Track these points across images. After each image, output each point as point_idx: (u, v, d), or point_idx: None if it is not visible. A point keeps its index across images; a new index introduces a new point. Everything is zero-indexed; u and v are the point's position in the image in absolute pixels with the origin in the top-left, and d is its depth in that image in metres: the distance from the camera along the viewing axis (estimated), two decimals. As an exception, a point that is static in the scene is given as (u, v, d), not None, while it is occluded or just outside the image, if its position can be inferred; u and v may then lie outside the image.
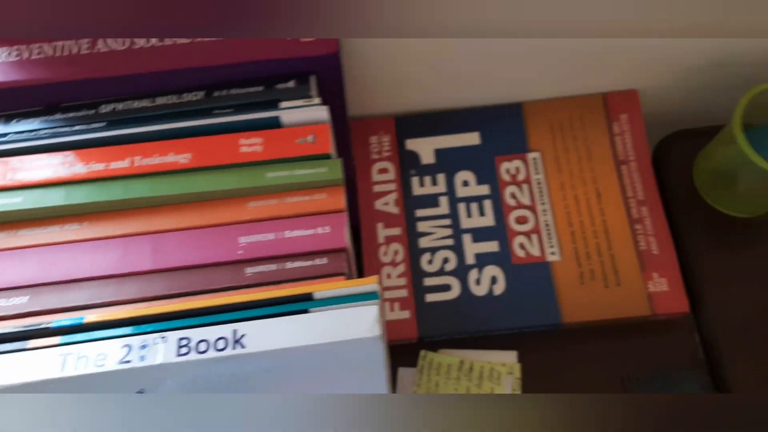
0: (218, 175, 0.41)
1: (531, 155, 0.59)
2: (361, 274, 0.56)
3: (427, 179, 0.58)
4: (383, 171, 0.59)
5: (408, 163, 0.59)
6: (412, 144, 0.60)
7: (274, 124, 0.42)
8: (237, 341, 0.35)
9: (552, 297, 0.53)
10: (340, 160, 0.41)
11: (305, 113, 0.41)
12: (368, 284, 0.36)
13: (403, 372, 0.54)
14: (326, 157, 0.41)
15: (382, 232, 0.56)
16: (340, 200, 0.40)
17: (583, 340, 0.54)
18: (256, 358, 0.35)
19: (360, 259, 0.57)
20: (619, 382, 0.53)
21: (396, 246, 0.56)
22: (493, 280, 0.54)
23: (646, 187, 0.57)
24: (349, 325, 0.35)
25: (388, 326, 0.53)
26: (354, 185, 0.58)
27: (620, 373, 0.53)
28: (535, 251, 0.55)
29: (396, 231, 0.56)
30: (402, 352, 0.55)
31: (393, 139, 0.60)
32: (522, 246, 0.55)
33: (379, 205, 0.57)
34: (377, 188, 0.58)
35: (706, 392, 0.52)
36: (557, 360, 0.54)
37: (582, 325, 0.54)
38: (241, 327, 0.36)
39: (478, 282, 0.54)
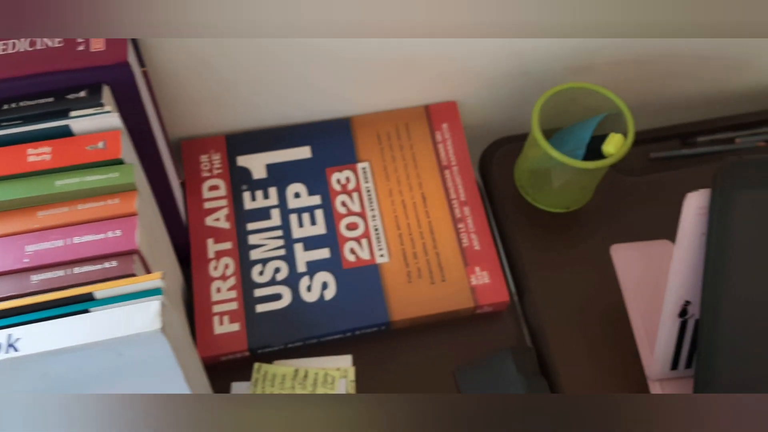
0: (4, 186, 0.40)
1: (360, 165, 0.61)
2: (189, 289, 0.56)
3: (259, 193, 0.59)
4: (214, 188, 0.59)
5: (239, 179, 0.60)
6: (243, 160, 0.60)
7: (65, 133, 0.41)
8: (10, 345, 0.34)
9: (381, 297, 0.55)
10: (132, 165, 0.41)
11: (96, 121, 0.41)
12: (152, 280, 0.36)
13: (238, 386, 0.53)
14: (118, 162, 0.41)
15: (213, 247, 0.56)
16: (132, 204, 0.40)
17: (415, 339, 0.56)
18: (35, 362, 0.34)
19: (189, 275, 0.56)
20: (452, 376, 0.55)
21: (226, 260, 0.56)
22: (324, 286, 0.55)
23: (468, 189, 0.60)
24: (130, 321, 0.35)
25: (219, 340, 0.53)
26: (182, 203, 0.58)
27: (452, 367, 0.55)
28: (365, 255, 0.56)
29: (227, 245, 0.56)
30: (237, 367, 0.54)
31: (224, 156, 0.61)
32: (353, 251, 0.57)
33: (209, 221, 0.57)
34: (208, 205, 0.58)
35: (531, 375, 0.54)
36: (391, 359, 0.55)
37: (411, 321, 0.55)
38: (16, 331, 0.34)
39: (309, 289, 0.55)
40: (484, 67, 0.62)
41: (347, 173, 0.60)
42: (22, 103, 0.42)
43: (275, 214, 0.58)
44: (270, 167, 0.60)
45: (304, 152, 0.61)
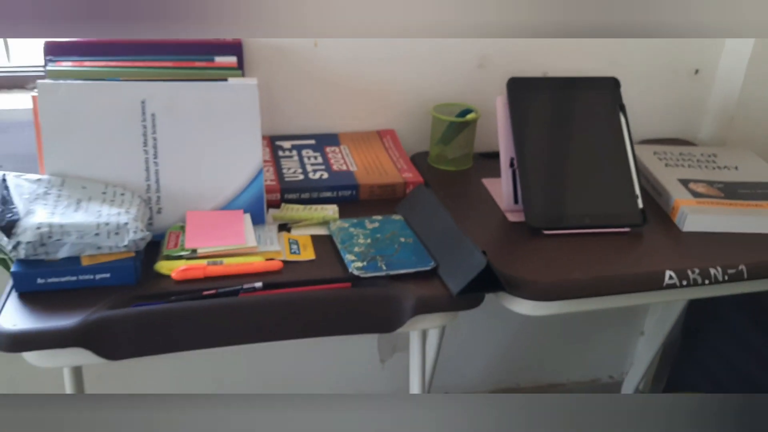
0: None
1: (342, 146, 1.11)
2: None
3: (292, 153, 1.07)
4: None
5: (278, 149, 1.08)
6: (280, 143, 1.10)
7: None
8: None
9: (353, 177, 0.99)
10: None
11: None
12: (251, 79, 0.85)
13: (273, 211, 0.93)
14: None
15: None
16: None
17: (375, 205, 0.98)
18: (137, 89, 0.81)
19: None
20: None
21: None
22: (321, 176, 1.00)
23: (405, 161, 1.09)
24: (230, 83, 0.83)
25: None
26: None
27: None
28: (345, 168, 1.03)
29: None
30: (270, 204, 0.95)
31: (269, 141, 1.10)
32: (338, 166, 1.03)
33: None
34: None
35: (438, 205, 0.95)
36: (357, 213, 0.97)
37: (370, 188, 0.99)
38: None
39: (319, 176, 1.00)
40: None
41: (335, 148, 1.10)
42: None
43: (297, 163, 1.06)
44: (294, 146, 1.10)
45: (310, 141, 1.11)
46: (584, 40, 1.16)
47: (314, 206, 0.95)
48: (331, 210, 0.95)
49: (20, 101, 1.04)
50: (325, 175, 1.00)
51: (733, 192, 1.00)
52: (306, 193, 0.97)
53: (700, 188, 1.01)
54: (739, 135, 1.24)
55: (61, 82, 0.81)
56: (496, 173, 0.99)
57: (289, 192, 0.96)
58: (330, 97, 1.13)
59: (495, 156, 1.00)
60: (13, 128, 1.02)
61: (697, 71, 1.25)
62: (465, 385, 1.48)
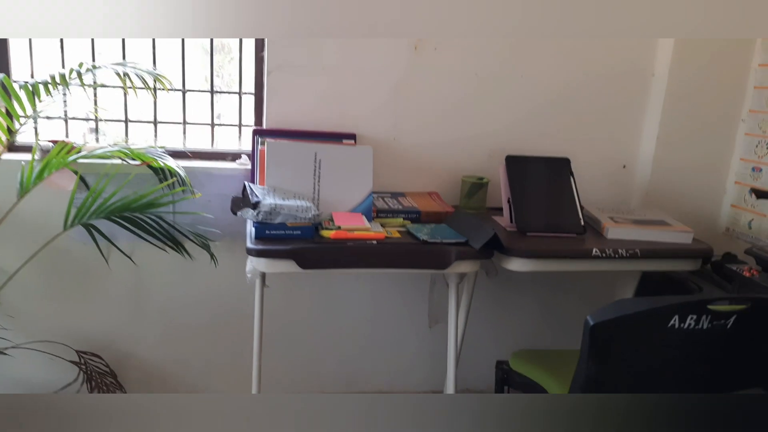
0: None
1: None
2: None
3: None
4: (361, 196, 1.82)
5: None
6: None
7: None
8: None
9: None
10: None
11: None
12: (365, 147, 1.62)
13: (373, 222, 1.66)
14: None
15: (363, 201, 1.77)
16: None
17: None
18: (312, 149, 1.58)
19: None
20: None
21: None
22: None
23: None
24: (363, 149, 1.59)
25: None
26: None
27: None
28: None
29: (367, 202, 1.77)
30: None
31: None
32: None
33: (361, 199, 1.79)
34: (360, 197, 1.81)
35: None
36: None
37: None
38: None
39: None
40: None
41: (402, 198, 1.83)
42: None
43: (381, 201, 1.79)
44: (379, 194, 1.84)
45: (388, 193, 1.85)
46: (552, 136, 1.95)
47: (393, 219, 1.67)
48: (402, 219, 1.67)
49: (221, 165, 1.82)
50: (400, 207, 1.73)
51: (638, 222, 1.71)
52: (391, 214, 1.69)
53: (619, 219, 1.72)
54: (652, 201, 1.98)
55: (278, 141, 1.58)
56: (499, 214, 1.72)
57: (381, 212, 1.69)
58: (400, 168, 1.90)
59: (496, 209, 1.74)
60: (219, 178, 1.79)
61: (624, 166, 2.02)
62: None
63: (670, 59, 1.88)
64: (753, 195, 1.82)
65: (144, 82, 1.65)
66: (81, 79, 1.60)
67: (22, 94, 1.55)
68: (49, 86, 1.57)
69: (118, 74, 1.63)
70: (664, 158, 1.96)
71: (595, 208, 1.84)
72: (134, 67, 1.66)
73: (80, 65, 1.61)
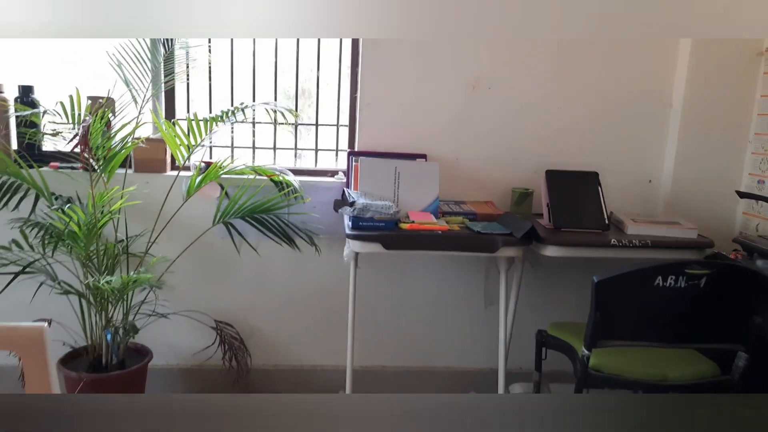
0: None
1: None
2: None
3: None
4: (431, 203, 2.32)
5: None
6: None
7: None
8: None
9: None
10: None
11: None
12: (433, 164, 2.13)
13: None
14: (427, 161, 2.21)
15: (432, 206, 2.27)
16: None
17: (483, 222, 2.19)
18: (392, 164, 2.09)
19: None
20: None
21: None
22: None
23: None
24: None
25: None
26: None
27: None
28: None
29: (435, 207, 2.27)
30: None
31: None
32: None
33: (431, 205, 2.29)
34: (430, 204, 2.31)
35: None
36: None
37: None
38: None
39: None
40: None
41: (463, 205, 2.31)
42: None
43: (447, 207, 2.29)
44: (445, 201, 2.33)
45: (452, 201, 2.34)
46: (586, 154, 2.39)
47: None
48: (462, 218, 2.15)
49: (323, 179, 2.37)
50: (461, 210, 2.22)
51: (654, 222, 2.12)
52: (453, 215, 2.18)
53: (639, 220, 2.13)
54: (674, 210, 2.37)
55: (368, 158, 2.12)
56: (542, 217, 2.18)
57: (445, 214, 2.18)
58: (461, 181, 2.39)
59: (540, 215, 2.20)
60: (321, 190, 2.35)
61: (650, 180, 2.42)
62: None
63: (684, 91, 2.30)
64: (737, 195, 2.20)
65: (283, 116, 2.22)
66: (242, 114, 2.20)
67: (200, 126, 2.15)
68: (215, 122, 2.17)
69: (267, 111, 2.21)
70: (683, 174, 2.36)
71: (623, 213, 2.26)
72: (275, 107, 2.24)
73: (242, 104, 2.20)
